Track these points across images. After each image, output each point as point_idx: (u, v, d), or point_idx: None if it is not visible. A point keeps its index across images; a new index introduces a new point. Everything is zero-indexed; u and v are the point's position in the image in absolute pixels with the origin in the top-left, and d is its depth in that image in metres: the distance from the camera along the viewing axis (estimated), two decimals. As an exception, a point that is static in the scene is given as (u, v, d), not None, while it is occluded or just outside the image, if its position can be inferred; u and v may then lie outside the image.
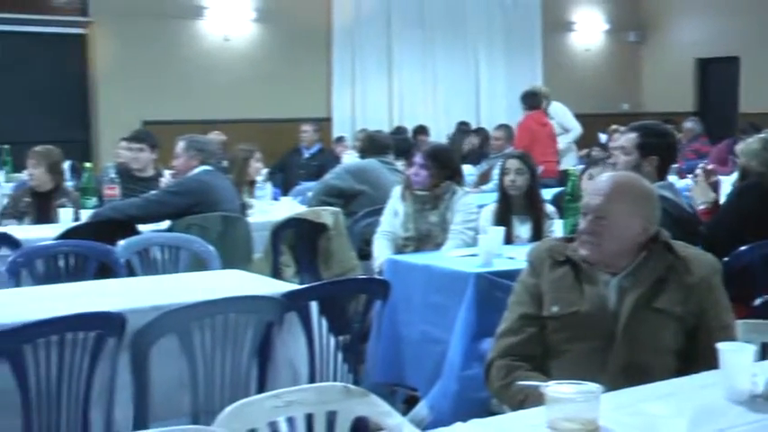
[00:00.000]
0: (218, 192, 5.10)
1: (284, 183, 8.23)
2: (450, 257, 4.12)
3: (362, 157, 6.38)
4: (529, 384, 2.30)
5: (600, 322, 2.48)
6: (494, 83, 12.89)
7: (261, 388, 3.10)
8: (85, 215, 5.20)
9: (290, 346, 3.26)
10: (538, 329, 2.55)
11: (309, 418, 2.06)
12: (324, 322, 3.30)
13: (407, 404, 4.04)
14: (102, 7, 10.58)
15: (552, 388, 1.94)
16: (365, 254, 5.07)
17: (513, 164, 4.65)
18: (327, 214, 5.17)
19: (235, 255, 4.81)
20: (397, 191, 4.79)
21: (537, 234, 4.49)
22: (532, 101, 8.71)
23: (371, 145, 6.25)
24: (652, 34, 14.27)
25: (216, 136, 8.31)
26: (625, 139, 3.75)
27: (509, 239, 4.38)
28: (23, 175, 6.81)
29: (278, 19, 11.40)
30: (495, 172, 7.14)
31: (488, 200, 5.04)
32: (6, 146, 8.59)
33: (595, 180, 2.65)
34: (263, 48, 11.49)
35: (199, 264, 4.40)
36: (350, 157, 7.64)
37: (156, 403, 2.95)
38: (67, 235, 4.63)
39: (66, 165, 6.66)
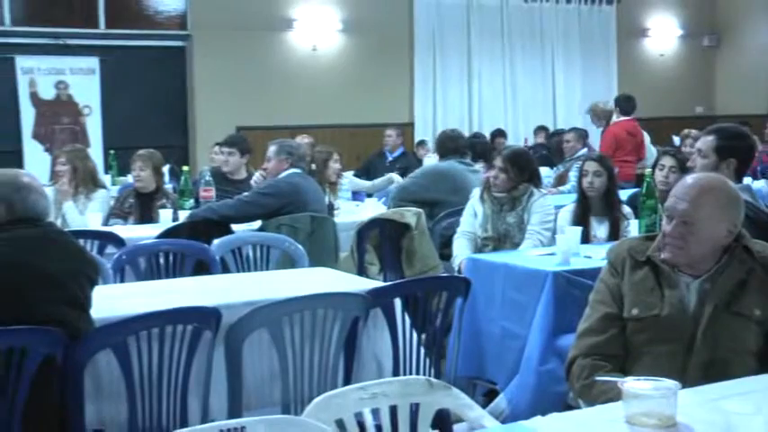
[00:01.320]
0: (307, 193, 5.26)
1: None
2: (529, 256, 4.20)
3: (442, 158, 6.35)
4: (607, 379, 2.32)
5: (680, 325, 2.47)
6: (570, 89, 12.89)
7: (347, 380, 3.21)
8: (183, 216, 5.41)
9: (375, 340, 3.37)
10: (620, 330, 2.54)
11: (393, 410, 2.13)
12: (407, 318, 3.41)
13: (487, 397, 4.11)
14: (200, 22, 10.99)
15: (630, 384, 1.95)
16: (446, 254, 5.17)
17: (591, 166, 4.70)
18: (410, 215, 5.27)
19: (322, 253, 4.95)
20: (476, 192, 4.88)
21: (614, 234, 4.54)
22: (626, 105, 8.70)
23: (449, 145, 6.18)
24: (726, 38, 14.00)
25: (303, 139, 8.53)
26: (702, 141, 3.65)
27: (587, 239, 4.44)
28: (128, 179, 7.15)
29: (363, 29, 11.62)
30: (572, 174, 7.18)
31: (566, 201, 5.10)
32: (113, 151, 9.03)
33: (681, 182, 2.59)
34: (349, 56, 11.73)
35: (288, 262, 4.56)
36: (431, 160, 7.72)
37: (249, 393, 3.09)
38: (167, 234, 4.85)
39: (166, 168, 6.96)
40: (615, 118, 8.77)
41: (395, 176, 7.58)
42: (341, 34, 11.71)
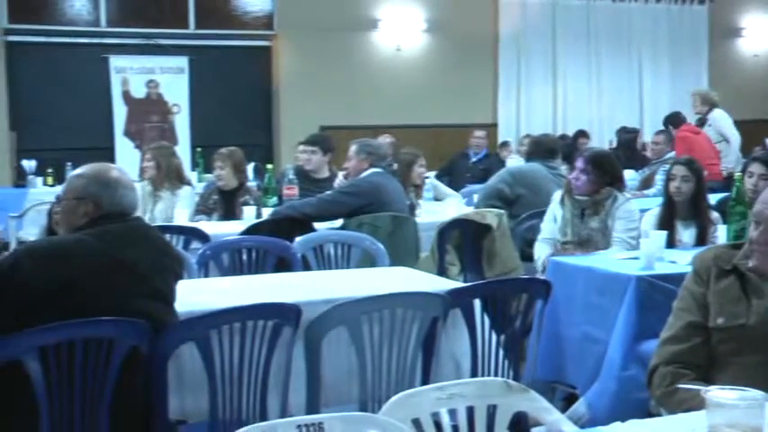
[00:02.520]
0: (388, 193, 5.29)
1: (450, 185, 8.38)
2: (612, 260, 4.13)
3: (528, 160, 6.39)
4: (691, 387, 2.27)
5: (767, 335, 2.42)
6: (658, 90, 12.62)
7: (425, 380, 3.20)
8: (266, 213, 5.50)
9: (454, 340, 3.36)
10: (704, 339, 2.50)
11: (470, 411, 2.12)
12: (486, 319, 3.40)
13: (566, 402, 4.07)
14: (286, 22, 11.14)
15: (714, 393, 1.89)
16: (527, 256, 5.13)
17: (678, 170, 4.57)
18: (492, 216, 5.25)
19: (403, 253, 4.97)
20: (557, 196, 4.82)
21: (701, 239, 4.43)
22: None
23: (537, 148, 6.23)
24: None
25: (385, 139, 8.56)
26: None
27: (672, 244, 4.35)
28: (213, 175, 7.28)
29: (447, 29, 11.60)
30: (658, 177, 7.04)
31: (651, 204, 5.00)
32: (199, 149, 9.22)
33: None
34: (433, 57, 11.72)
35: (369, 260, 4.59)
36: (514, 161, 7.68)
37: (327, 390, 3.11)
38: (250, 231, 4.94)
39: (250, 166, 7.07)
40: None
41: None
42: (425, 34, 11.71)
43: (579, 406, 3.82)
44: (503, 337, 3.45)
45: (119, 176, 2.88)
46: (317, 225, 5.14)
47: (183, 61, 10.85)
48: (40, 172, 8.89)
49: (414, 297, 3.25)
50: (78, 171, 2.93)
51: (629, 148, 9.76)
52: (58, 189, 7.61)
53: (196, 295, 3.25)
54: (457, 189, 7.82)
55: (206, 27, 11.03)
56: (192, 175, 7.52)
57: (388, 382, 3.15)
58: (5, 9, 10.34)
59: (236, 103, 11.17)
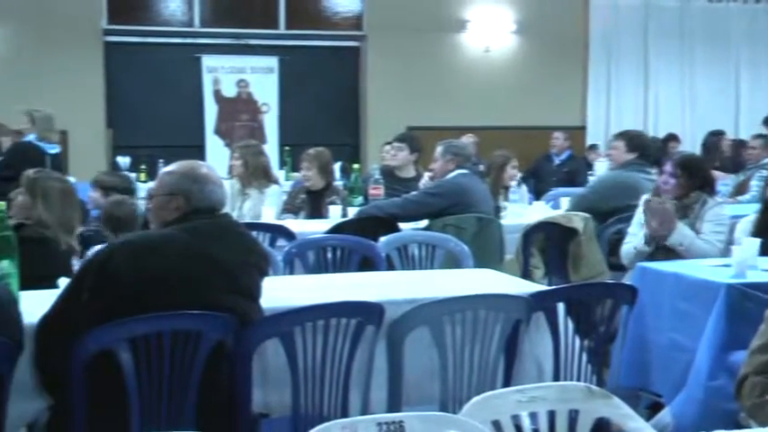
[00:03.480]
0: (473, 194, 5.28)
1: (536, 188, 8.32)
2: (702, 266, 4.05)
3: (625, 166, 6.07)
4: None
5: None
6: (756, 94, 12.23)
7: (506, 382, 3.19)
8: (352, 212, 5.55)
9: (537, 344, 3.34)
10: None
11: (552, 415, 2.11)
12: (570, 323, 3.37)
13: (651, 410, 4.00)
14: (375, 23, 11.21)
15: None
16: (613, 265, 5.05)
17: (778, 175, 4.45)
18: (578, 219, 5.18)
19: (487, 255, 4.95)
20: (644, 199, 4.74)
21: (801, 249, 4.28)
22: None
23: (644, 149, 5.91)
24: None
25: (468, 139, 8.54)
26: None
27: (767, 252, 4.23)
28: (300, 174, 7.38)
29: (536, 30, 11.50)
30: (754, 183, 6.83)
31: (745, 211, 4.87)
32: (288, 147, 9.36)
33: None
34: (521, 58, 11.64)
35: (453, 261, 4.58)
36: (602, 165, 7.56)
37: (408, 389, 3.11)
38: (336, 230, 4.98)
39: (337, 166, 7.13)
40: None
41: None
42: (514, 35, 11.64)
43: (664, 415, 3.74)
44: (586, 342, 3.41)
45: (207, 173, 2.94)
46: (401, 225, 5.16)
47: (272, 61, 11.02)
48: (133, 168, 9.13)
49: (497, 299, 3.24)
50: (169, 168, 3.00)
51: (714, 151, 9.49)
52: (151, 185, 7.83)
53: (281, 292, 3.30)
54: (542, 192, 7.77)
55: (296, 27, 11.18)
56: (279, 174, 7.62)
57: (470, 383, 3.14)
58: (105, 10, 10.66)
59: (324, 103, 11.29)
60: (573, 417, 2.13)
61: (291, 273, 4.37)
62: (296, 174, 8.37)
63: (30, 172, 4.01)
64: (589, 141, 11.42)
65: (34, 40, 10.18)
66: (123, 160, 9.39)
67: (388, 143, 6.86)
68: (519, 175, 6.68)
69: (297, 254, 4.48)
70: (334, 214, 5.63)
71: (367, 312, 3.02)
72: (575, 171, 8.24)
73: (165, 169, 3.04)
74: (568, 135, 9.63)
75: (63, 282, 3.34)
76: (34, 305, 2.84)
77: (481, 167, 6.48)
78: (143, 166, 9.01)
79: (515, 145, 8.72)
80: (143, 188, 7.15)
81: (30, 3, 10.16)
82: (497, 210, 5.75)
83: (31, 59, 10.15)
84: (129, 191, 5.21)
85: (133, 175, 9.13)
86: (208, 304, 2.73)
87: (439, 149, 5.47)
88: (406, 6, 11.05)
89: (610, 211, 5.56)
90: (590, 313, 3.42)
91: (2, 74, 9.89)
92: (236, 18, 11.09)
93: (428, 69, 11.25)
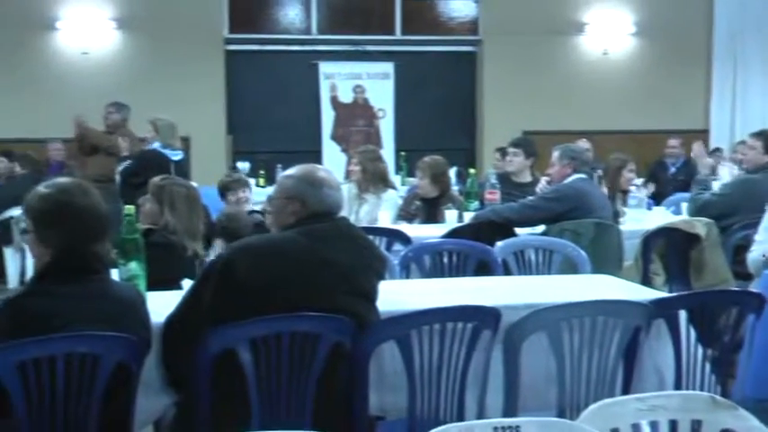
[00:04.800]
0: (591, 199, 5.20)
1: (656, 193, 8.12)
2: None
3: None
4: None
5: None
6: None
7: (625, 390, 3.13)
8: (468, 217, 5.55)
9: (657, 352, 3.26)
10: None
11: (673, 425, 2.06)
12: (692, 332, 3.29)
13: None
14: (491, 27, 11.17)
15: None
16: (738, 274, 4.88)
17: None
18: (701, 225, 5.04)
19: (605, 260, 4.86)
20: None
21: None
22: None
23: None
24: None
25: (583, 143, 8.40)
26: None
27: None
28: (415, 180, 7.41)
29: (657, 32, 11.23)
30: None
31: None
32: (403, 152, 9.42)
33: None
34: (641, 60, 11.39)
35: (570, 267, 4.53)
36: (726, 170, 7.30)
37: (525, 394, 3.09)
38: (452, 234, 4.99)
39: (453, 171, 7.13)
40: None
41: None
42: (633, 38, 11.41)
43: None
44: (710, 352, 3.31)
45: (325, 176, 2.99)
46: (518, 230, 5.12)
47: (388, 67, 11.11)
48: (252, 173, 9.35)
49: (616, 305, 3.19)
50: (288, 172, 3.06)
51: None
52: (269, 190, 8.00)
53: (398, 295, 3.32)
54: (661, 198, 7.57)
55: (412, 33, 11.25)
56: (395, 179, 7.67)
57: (587, 390, 3.10)
58: (227, 20, 10.96)
59: (440, 108, 11.31)
60: (695, 428, 2.08)
61: (407, 277, 4.40)
62: (411, 179, 8.41)
63: (156, 179, 4.15)
64: (713, 145, 11.07)
65: (158, 49, 10.54)
66: (243, 165, 9.62)
67: (499, 150, 6.81)
68: (638, 179, 6.54)
69: (413, 258, 4.50)
70: (450, 219, 5.63)
71: (484, 317, 3.01)
72: (691, 177, 7.97)
73: (284, 173, 3.10)
74: (684, 141, 9.36)
75: (187, 284, 3.46)
76: (160, 305, 2.95)
77: (599, 172, 6.37)
78: (262, 171, 9.21)
79: (632, 149, 8.56)
80: (262, 193, 7.30)
81: (154, 13, 10.53)
82: (616, 215, 5.64)
83: (154, 68, 10.52)
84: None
85: (252, 180, 9.37)
86: (326, 306, 2.78)
87: (556, 154, 5.41)
88: (522, 10, 10.97)
89: (733, 213, 5.35)
90: (714, 322, 3.32)
91: (126, 81, 10.27)
92: (353, 25, 11.22)
93: (544, 73, 11.14)
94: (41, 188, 2.69)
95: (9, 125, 10.16)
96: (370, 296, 2.95)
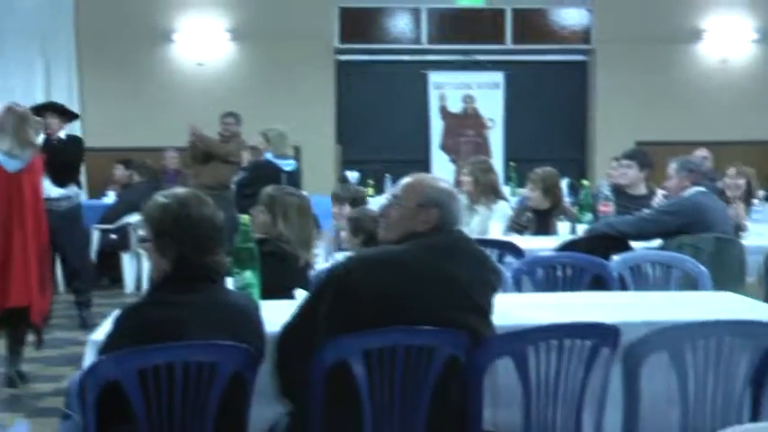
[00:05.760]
0: (711, 213, 5.02)
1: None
2: None
3: None
4: None
5: None
6: None
7: (754, 417, 3.01)
8: (581, 229, 5.43)
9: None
10: None
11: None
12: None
13: None
14: (604, 36, 10.98)
15: None
16: None
17: None
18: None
19: (726, 277, 4.68)
20: None
21: None
22: None
23: None
24: None
25: (701, 153, 8.14)
26: None
27: None
28: (526, 191, 7.31)
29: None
30: None
31: None
32: (513, 163, 9.32)
33: None
34: (763, 68, 11.01)
35: (689, 283, 4.38)
36: None
37: (644, 415, 2.99)
38: (565, 247, 4.89)
39: (564, 182, 7.00)
40: None
41: None
42: (755, 44, 11.04)
43: None
44: None
45: (454, 190, 2.95)
46: (633, 244, 4.98)
47: (498, 76, 11.04)
48: (361, 183, 9.39)
49: (744, 325, 3.05)
50: (416, 178, 2.98)
51: None
52: (378, 199, 8.01)
53: (512, 309, 3.26)
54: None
55: (523, 42, 11.16)
56: (504, 190, 7.58)
57: (712, 414, 2.98)
58: (338, 30, 11.07)
59: (550, 118, 11.17)
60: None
61: (519, 290, 4.32)
62: (521, 190, 8.30)
63: (268, 189, 4.18)
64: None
65: (270, 60, 10.73)
66: (352, 175, 9.68)
67: (617, 159, 6.65)
68: (762, 191, 6.30)
69: (525, 271, 4.43)
70: (563, 231, 5.52)
71: (602, 334, 2.92)
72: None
73: (413, 179, 2.99)
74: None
75: (300, 293, 3.48)
76: (273, 315, 2.96)
77: (719, 184, 6.15)
78: (370, 181, 9.25)
79: (754, 159, 8.25)
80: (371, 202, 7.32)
81: (267, 24, 10.72)
82: (737, 229, 5.43)
83: (266, 78, 10.71)
84: (363, 203, 5.37)
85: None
86: (441, 321, 2.74)
87: (673, 166, 5.25)
88: (637, 18, 10.75)
89: None
90: None
91: (239, 91, 10.48)
92: (463, 34, 11.19)
93: (659, 82, 10.87)
94: (161, 198, 2.73)
95: (127, 134, 10.50)
96: (486, 311, 2.90)
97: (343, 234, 4.62)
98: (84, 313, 7.02)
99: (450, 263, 2.81)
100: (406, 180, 3.00)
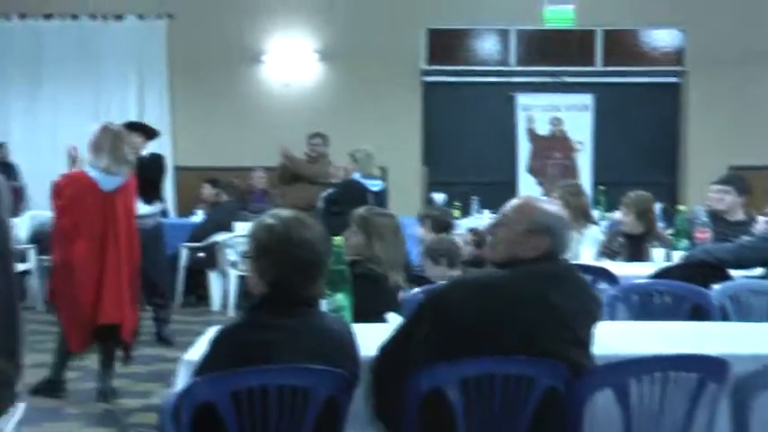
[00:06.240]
0: (817, 241, 4.82)
1: None
2: None
3: None
4: None
5: None
6: None
7: None
8: (677, 256, 5.27)
9: None
10: None
11: None
12: None
13: None
14: (697, 57, 10.74)
15: None
16: None
17: None
18: None
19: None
20: None
21: None
22: None
23: None
24: None
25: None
26: None
27: None
28: (615, 215, 7.15)
29: None
30: None
31: None
32: (602, 186, 9.14)
33: None
34: None
35: (797, 315, 4.20)
36: None
37: (754, 453, 2.89)
38: (661, 275, 4.74)
39: (657, 207, 6.82)
40: None
41: None
42: None
43: None
44: None
45: (566, 216, 2.86)
46: (733, 272, 4.80)
47: (587, 98, 10.88)
48: (447, 204, 9.33)
49: None
50: (531, 202, 2.90)
51: None
52: (465, 222, 7.93)
53: (609, 338, 3.14)
54: None
55: (613, 64, 10.98)
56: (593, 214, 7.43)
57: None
58: (425, 52, 11.07)
59: (640, 141, 10.97)
60: None
61: (613, 318, 4.19)
62: (610, 214, 8.13)
63: (360, 210, 4.15)
64: None
65: (357, 80, 10.79)
66: (438, 197, 9.62)
67: (715, 183, 6.45)
68: None
69: (620, 298, 4.30)
70: (657, 258, 5.36)
71: (710, 367, 2.79)
72: None
73: (524, 201, 2.91)
74: None
75: (392, 317, 3.42)
76: (365, 338, 2.91)
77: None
78: (456, 203, 9.18)
79: None
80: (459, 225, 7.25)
81: (354, 45, 10.79)
82: None
83: (353, 98, 10.77)
84: (450, 225, 5.30)
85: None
86: (540, 351, 2.66)
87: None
88: (732, 39, 10.49)
89: None
90: None
91: (326, 112, 10.55)
92: (552, 56, 11.08)
93: (756, 103, 10.57)
94: (267, 218, 2.71)
95: (214, 154, 10.66)
96: (586, 343, 2.80)
97: (424, 262, 4.58)
98: (162, 329, 7.10)
99: (554, 292, 2.72)
100: (516, 201, 2.92)
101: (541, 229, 2.78)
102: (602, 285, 4.72)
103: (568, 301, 2.74)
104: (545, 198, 2.94)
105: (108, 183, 5.36)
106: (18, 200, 9.50)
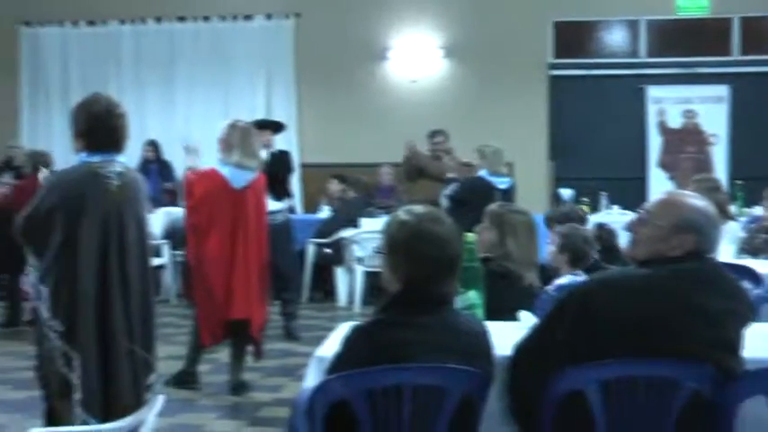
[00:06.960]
0: None
1: None
2: None
3: None
4: None
5: None
6: None
7: None
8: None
9: None
10: None
11: None
12: None
13: None
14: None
15: None
16: None
17: None
18: None
19: None
20: None
21: None
22: None
23: None
24: None
25: None
26: None
27: None
28: (754, 210, 6.85)
29: None
30: None
31: None
32: (739, 181, 8.78)
33: None
34: None
35: None
36: None
37: None
38: (810, 275, 4.51)
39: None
40: None
41: None
42: None
43: None
44: None
45: (715, 213, 2.72)
46: None
47: (722, 90, 10.47)
48: (576, 200, 9.12)
49: None
50: (678, 197, 2.77)
51: None
52: (594, 218, 7.73)
53: (753, 340, 2.96)
54: None
55: (750, 53, 10.52)
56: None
57: None
58: (551, 45, 10.87)
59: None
60: None
61: (757, 320, 3.97)
62: (749, 210, 7.80)
63: (493, 207, 4.09)
64: None
65: (483, 76, 10.70)
66: (566, 192, 9.42)
67: None
68: None
69: (766, 298, 4.09)
70: (803, 256, 5.09)
71: None
72: None
73: (671, 197, 2.78)
74: None
75: (524, 315, 3.34)
76: (498, 336, 2.83)
77: None
78: (585, 199, 8.96)
79: None
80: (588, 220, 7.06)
81: (480, 40, 10.70)
82: None
83: (479, 94, 10.68)
84: (582, 221, 5.16)
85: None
86: (685, 352, 2.54)
87: None
88: None
89: None
90: None
91: (451, 108, 10.49)
92: (684, 47, 10.71)
93: None
94: (401, 214, 2.67)
95: (342, 150, 10.74)
96: (735, 345, 2.65)
97: (550, 248, 4.45)
98: (289, 324, 7.17)
99: (700, 292, 2.59)
100: (662, 197, 2.79)
101: (688, 226, 2.64)
102: (746, 285, 4.51)
103: (716, 302, 2.60)
104: (692, 194, 2.77)
105: (239, 180, 5.45)
106: (171, 201, 9.58)
